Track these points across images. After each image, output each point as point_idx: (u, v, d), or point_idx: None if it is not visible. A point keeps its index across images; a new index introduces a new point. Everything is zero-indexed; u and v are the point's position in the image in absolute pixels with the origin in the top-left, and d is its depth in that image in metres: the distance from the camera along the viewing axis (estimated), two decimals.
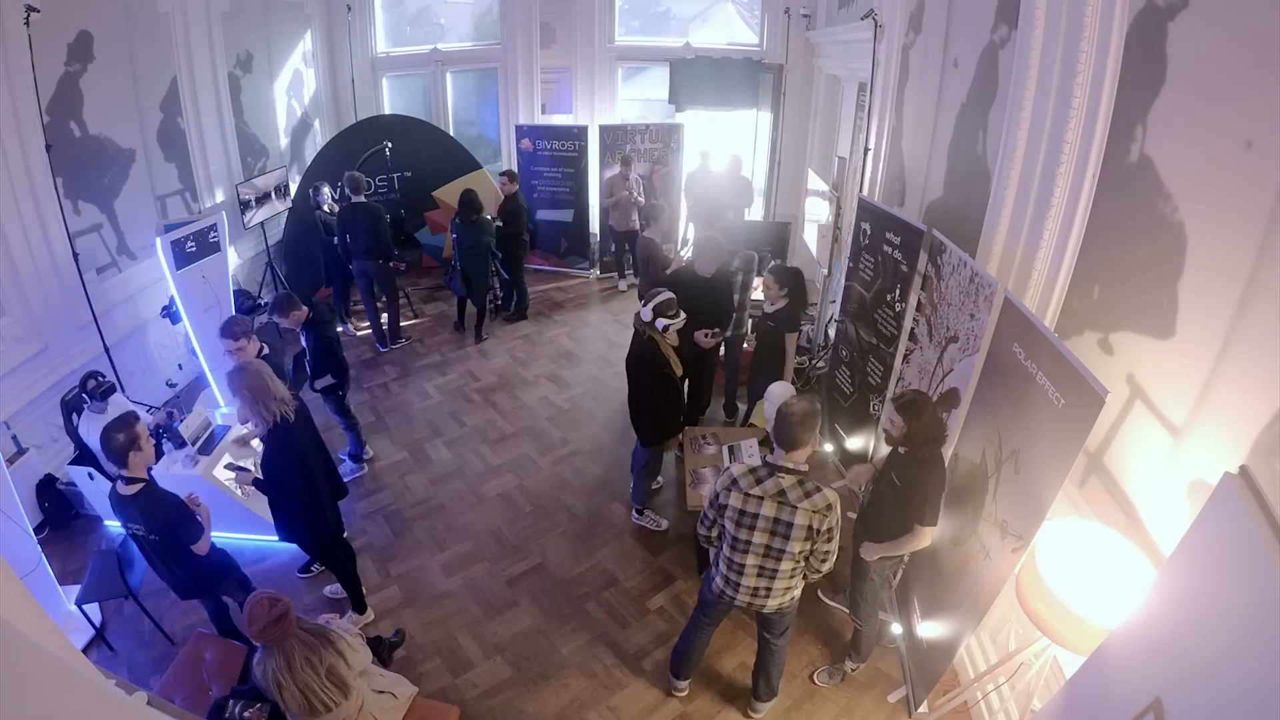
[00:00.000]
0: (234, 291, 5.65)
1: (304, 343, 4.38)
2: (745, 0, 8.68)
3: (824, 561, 2.61)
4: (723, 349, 5.05)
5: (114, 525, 4.23)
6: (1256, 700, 1.27)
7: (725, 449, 4.05)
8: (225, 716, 2.56)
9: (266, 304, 6.64)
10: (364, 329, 6.76)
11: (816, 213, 6.02)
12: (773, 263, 5.15)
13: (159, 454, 4.03)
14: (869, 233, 4.16)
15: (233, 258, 6.17)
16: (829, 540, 2.56)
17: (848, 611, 3.46)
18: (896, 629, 3.48)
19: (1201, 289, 2.10)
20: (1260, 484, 1.42)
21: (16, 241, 4.35)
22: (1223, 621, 1.43)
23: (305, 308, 4.21)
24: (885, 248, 3.92)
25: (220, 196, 6.50)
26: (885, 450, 4.04)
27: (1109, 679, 1.82)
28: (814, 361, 5.84)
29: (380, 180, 7.30)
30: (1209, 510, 1.52)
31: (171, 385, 5.64)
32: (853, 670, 3.35)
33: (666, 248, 6.34)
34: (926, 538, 2.80)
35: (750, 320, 5.11)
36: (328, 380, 4.40)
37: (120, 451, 2.74)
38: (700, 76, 8.02)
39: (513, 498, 4.57)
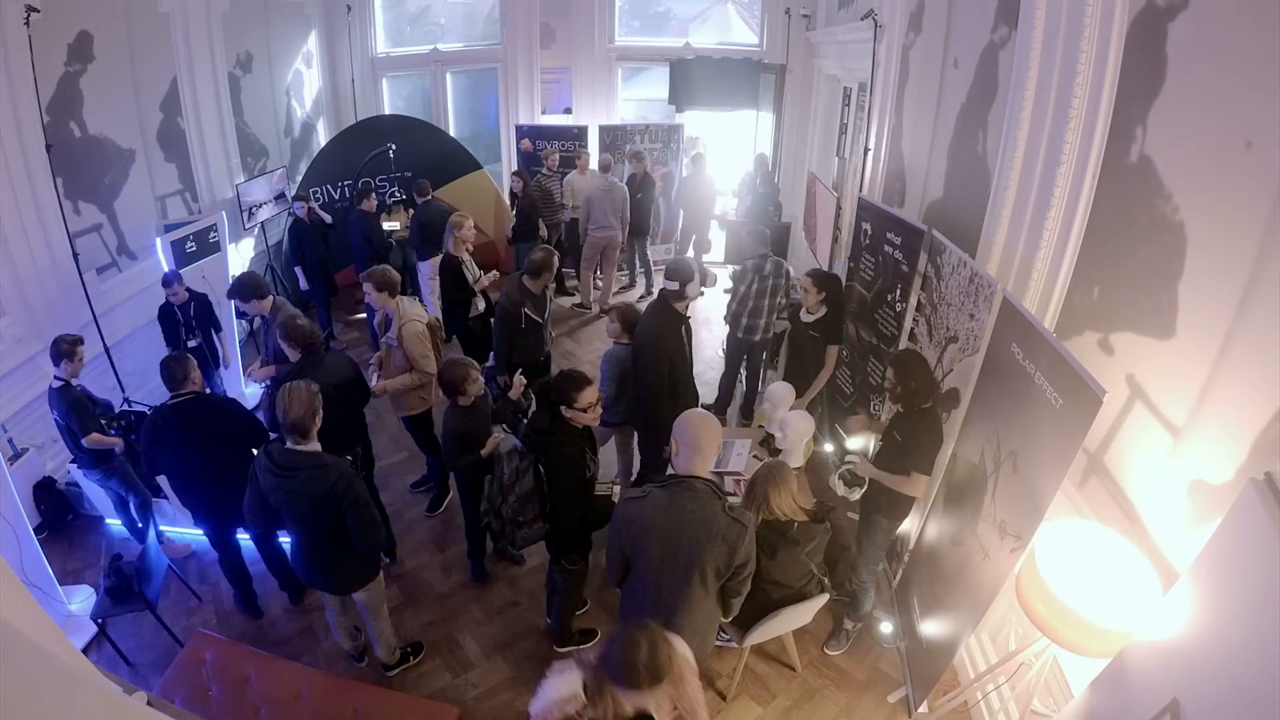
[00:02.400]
0: None
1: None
2: (745, 0, 8.69)
3: None
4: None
5: (116, 525, 4.24)
6: (1272, 701, 1.28)
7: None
8: None
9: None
10: None
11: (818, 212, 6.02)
12: (814, 266, 5.00)
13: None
14: (870, 233, 4.16)
15: (247, 249, 6.22)
16: None
17: (845, 598, 3.54)
18: (886, 628, 3.47)
19: (1201, 289, 2.10)
20: None
21: (16, 241, 4.34)
22: (1243, 626, 1.44)
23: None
24: (886, 248, 3.92)
25: (220, 196, 6.50)
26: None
27: (1128, 682, 1.83)
28: None
29: (381, 180, 7.31)
30: (1232, 516, 1.52)
31: None
32: (852, 629, 3.49)
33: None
34: (920, 485, 2.99)
35: (785, 326, 4.77)
36: None
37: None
38: (700, 77, 8.02)
39: None
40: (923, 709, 3.10)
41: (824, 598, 3.04)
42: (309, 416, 2.64)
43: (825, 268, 5.60)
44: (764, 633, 3.01)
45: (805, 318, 4.23)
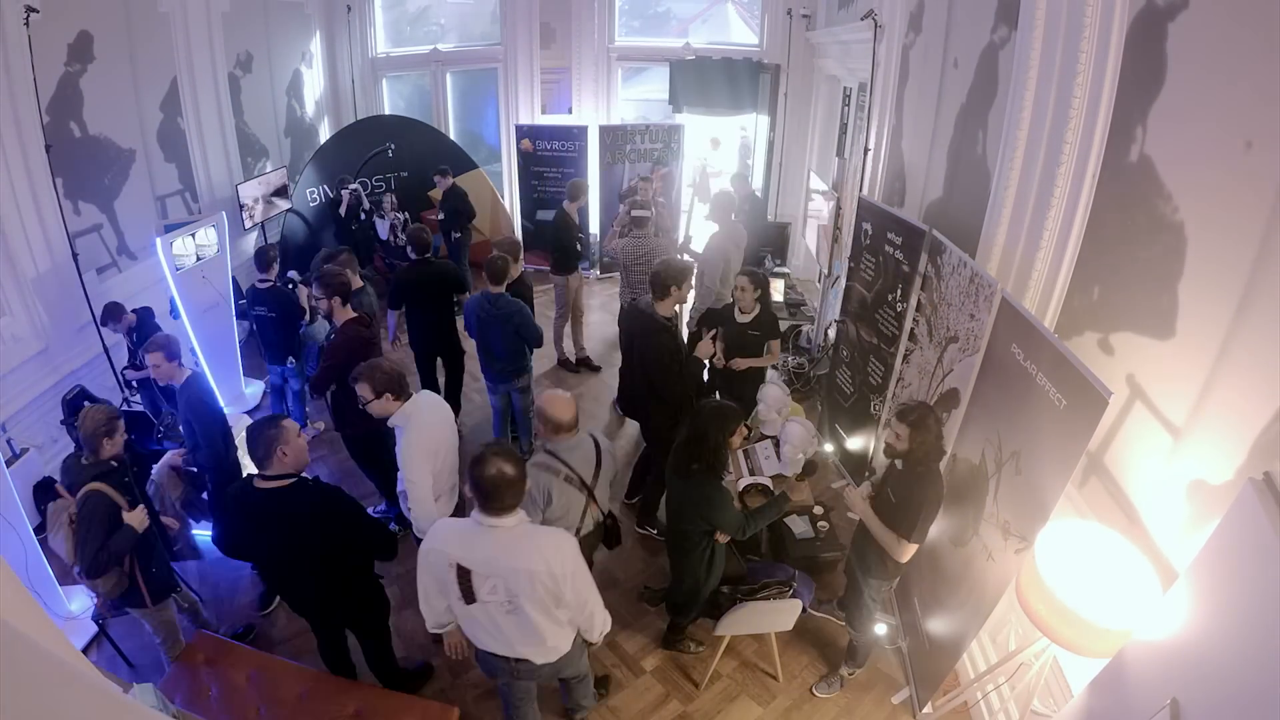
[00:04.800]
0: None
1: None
2: (745, 0, 8.69)
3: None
4: None
5: None
6: (1272, 700, 1.28)
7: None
8: None
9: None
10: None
11: (816, 213, 6.02)
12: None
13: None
14: (870, 233, 4.16)
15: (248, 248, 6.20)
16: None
17: (841, 622, 3.47)
18: (880, 629, 3.45)
19: (1201, 289, 2.10)
20: None
21: (16, 241, 4.35)
22: (1243, 626, 1.44)
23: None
24: (886, 248, 3.92)
25: (220, 196, 6.50)
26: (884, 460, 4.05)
27: (1128, 682, 1.83)
28: (814, 362, 5.84)
29: (377, 180, 7.31)
30: (1231, 516, 1.52)
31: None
32: (850, 675, 3.34)
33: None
34: (907, 553, 2.73)
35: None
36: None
37: None
38: (700, 78, 8.01)
39: None
40: (927, 709, 3.10)
41: (797, 604, 3.00)
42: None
43: (825, 269, 5.61)
44: (733, 624, 3.02)
45: (741, 318, 4.10)
